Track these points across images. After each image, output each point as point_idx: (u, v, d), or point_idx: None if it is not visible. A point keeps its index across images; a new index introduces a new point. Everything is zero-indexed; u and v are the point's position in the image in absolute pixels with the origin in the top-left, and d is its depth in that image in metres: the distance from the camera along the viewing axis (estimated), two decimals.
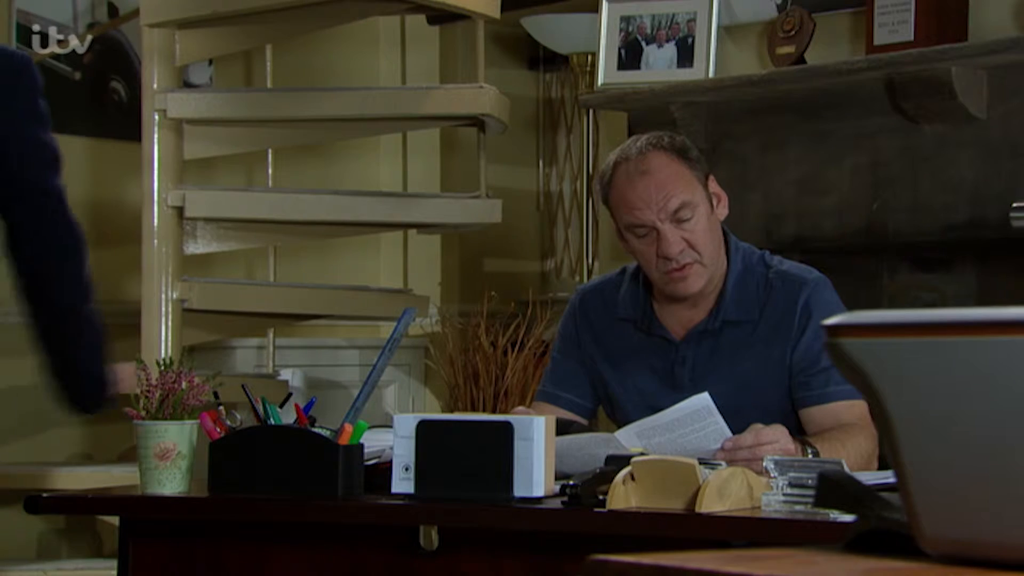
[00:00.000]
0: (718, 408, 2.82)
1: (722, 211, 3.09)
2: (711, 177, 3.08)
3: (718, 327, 3.06)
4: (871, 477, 2.58)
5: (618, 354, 3.13)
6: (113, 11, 5.54)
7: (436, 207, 4.97)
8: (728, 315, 3.06)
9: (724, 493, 2.40)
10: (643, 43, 4.75)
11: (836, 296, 3.08)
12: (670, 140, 3.06)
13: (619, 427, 3.17)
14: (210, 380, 2.83)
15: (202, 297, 4.65)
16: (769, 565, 1.32)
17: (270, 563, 2.74)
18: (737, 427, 2.96)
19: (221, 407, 2.80)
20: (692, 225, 3.00)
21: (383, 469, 2.68)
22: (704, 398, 2.79)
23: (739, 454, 2.71)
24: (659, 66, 4.72)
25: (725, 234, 3.12)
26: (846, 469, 2.27)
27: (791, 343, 3.03)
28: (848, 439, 2.91)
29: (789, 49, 4.47)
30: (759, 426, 2.77)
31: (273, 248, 5.35)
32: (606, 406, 3.19)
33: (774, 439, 2.74)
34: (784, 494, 2.37)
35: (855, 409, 2.97)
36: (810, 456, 2.80)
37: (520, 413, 2.88)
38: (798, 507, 2.35)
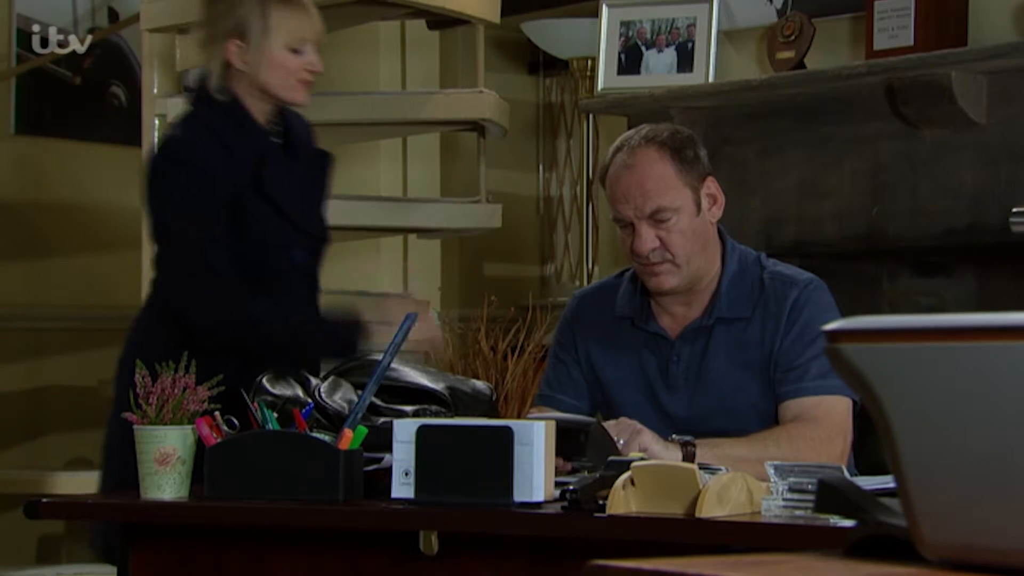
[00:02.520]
0: (715, 410, 2.85)
1: (715, 212, 3.08)
2: (709, 178, 3.07)
3: (712, 324, 3.07)
4: (872, 483, 2.58)
5: (615, 353, 3.13)
6: (113, 16, 5.54)
7: (436, 212, 4.97)
8: (722, 312, 3.06)
9: (724, 498, 2.40)
10: (643, 48, 4.75)
11: (829, 297, 3.07)
12: (670, 136, 3.06)
13: None
14: (211, 385, 2.83)
15: None
16: (769, 570, 1.32)
17: (270, 568, 2.74)
18: (733, 428, 2.98)
19: (217, 412, 2.80)
20: (670, 226, 3.01)
21: (383, 474, 2.68)
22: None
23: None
24: (659, 71, 4.72)
25: (722, 235, 3.12)
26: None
27: (778, 340, 3.03)
28: (782, 436, 2.92)
29: (789, 54, 4.47)
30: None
31: None
32: (603, 408, 3.19)
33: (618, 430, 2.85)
34: (784, 499, 2.37)
35: (823, 406, 2.97)
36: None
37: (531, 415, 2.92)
38: (798, 512, 2.35)
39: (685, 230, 3.02)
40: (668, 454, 2.81)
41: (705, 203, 3.05)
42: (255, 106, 3.27)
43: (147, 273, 4.62)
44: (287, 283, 3.33)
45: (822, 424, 2.94)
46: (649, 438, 2.85)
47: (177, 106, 4.66)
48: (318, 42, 3.29)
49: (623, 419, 2.91)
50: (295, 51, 3.24)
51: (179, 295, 3.21)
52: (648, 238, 3.00)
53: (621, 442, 2.83)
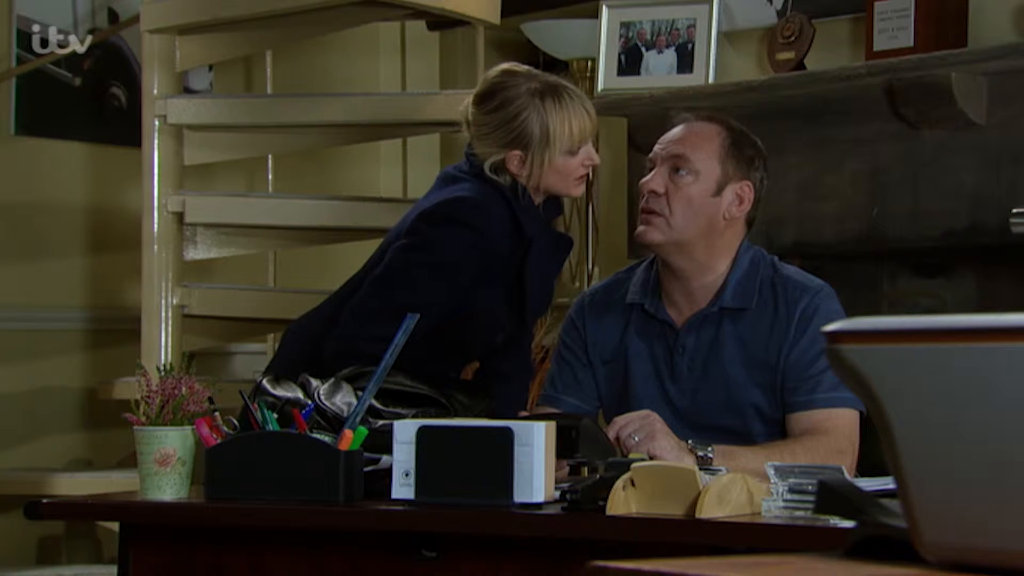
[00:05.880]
0: (715, 404, 2.86)
1: (733, 211, 3.08)
2: (748, 183, 3.08)
3: (717, 316, 3.06)
4: (872, 484, 2.58)
5: (622, 343, 3.13)
6: (113, 17, 5.54)
7: None
8: (726, 302, 3.07)
9: (724, 499, 2.40)
10: (643, 49, 4.75)
11: (838, 305, 3.07)
12: (738, 128, 3.12)
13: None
14: (212, 386, 2.83)
15: (202, 303, 4.65)
16: (769, 571, 1.32)
17: (270, 569, 2.74)
18: (733, 423, 2.98)
19: (216, 413, 2.80)
20: (680, 182, 3.03)
21: (383, 475, 2.68)
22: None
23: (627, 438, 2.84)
24: (659, 72, 4.72)
25: (742, 241, 3.12)
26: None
27: (787, 347, 3.03)
28: (797, 448, 2.92)
29: (789, 55, 4.47)
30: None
31: (273, 254, 5.35)
32: (615, 400, 3.19)
33: (625, 421, 2.87)
34: (784, 500, 2.37)
35: (832, 419, 2.97)
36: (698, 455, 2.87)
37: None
38: (798, 513, 2.36)
39: (690, 196, 3.03)
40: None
41: (729, 194, 3.05)
42: (532, 191, 3.30)
43: (148, 274, 4.63)
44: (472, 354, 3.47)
45: (833, 437, 2.95)
46: (663, 446, 2.84)
47: (178, 107, 4.67)
48: (594, 134, 3.34)
49: (647, 415, 2.90)
50: (574, 152, 3.27)
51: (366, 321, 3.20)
52: (657, 179, 3.05)
53: (636, 439, 2.83)
